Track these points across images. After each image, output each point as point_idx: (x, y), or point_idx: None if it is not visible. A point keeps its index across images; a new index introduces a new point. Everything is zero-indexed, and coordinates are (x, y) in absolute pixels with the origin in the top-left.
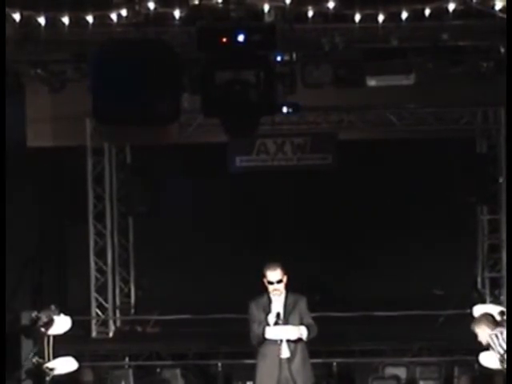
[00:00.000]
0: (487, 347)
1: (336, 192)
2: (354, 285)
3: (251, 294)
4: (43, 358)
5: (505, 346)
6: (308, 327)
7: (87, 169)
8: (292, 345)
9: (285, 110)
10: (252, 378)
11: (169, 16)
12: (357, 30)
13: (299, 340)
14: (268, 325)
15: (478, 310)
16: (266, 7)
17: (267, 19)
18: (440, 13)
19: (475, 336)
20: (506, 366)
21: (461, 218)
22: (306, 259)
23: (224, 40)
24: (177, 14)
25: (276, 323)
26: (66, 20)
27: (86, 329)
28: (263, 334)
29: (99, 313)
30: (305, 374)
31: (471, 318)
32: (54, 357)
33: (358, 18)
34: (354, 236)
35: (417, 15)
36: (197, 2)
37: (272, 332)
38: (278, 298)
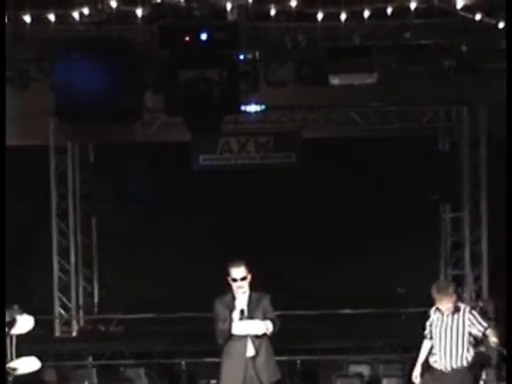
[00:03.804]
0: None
1: (300, 191)
2: (317, 283)
3: (215, 293)
4: (6, 357)
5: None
6: (272, 321)
7: (50, 168)
8: (257, 342)
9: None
10: (216, 376)
11: (131, 14)
12: (319, 28)
13: (264, 335)
14: (233, 321)
15: None
16: (229, 6)
17: (230, 18)
18: (402, 11)
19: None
20: (490, 339)
21: (424, 215)
22: (269, 257)
23: (187, 38)
24: (139, 12)
25: (240, 319)
26: (27, 18)
27: (49, 328)
28: (229, 329)
29: (62, 312)
30: (269, 371)
31: None
32: (17, 356)
33: (320, 16)
34: (317, 234)
35: (379, 14)
36: (159, 1)
37: (238, 327)
38: (242, 295)
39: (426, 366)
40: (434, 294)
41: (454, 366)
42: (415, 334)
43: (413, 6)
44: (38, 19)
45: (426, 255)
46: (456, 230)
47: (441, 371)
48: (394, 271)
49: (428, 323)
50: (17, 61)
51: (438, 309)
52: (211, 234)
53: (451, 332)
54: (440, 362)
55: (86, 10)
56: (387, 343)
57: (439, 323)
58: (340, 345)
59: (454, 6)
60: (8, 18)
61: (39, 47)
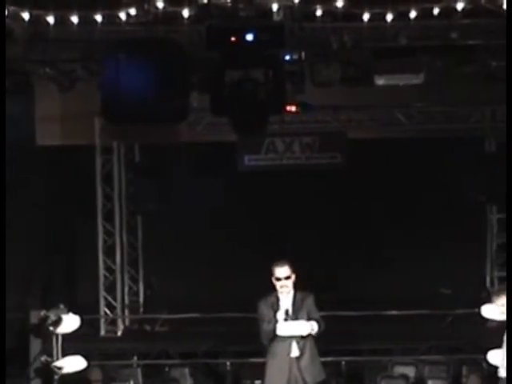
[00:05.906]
0: None
1: (345, 191)
2: (362, 284)
3: (260, 293)
4: (52, 356)
5: None
6: (317, 321)
7: (96, 168)
8: (301, 343)
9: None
10: (261, 377)
11: (178, 15)
12: (365, 28)
13: (309, 336)
14: (278, 322)
15: (487, 309)
16: (275, 6)
17: (276, 18)
18: (449, 12)
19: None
20: None
21: (470, 217)
22: (314, 258)
23: (233, 39)
24: (186, 13)
25: (285, 320)
26: (74, 19)
27: (94, 327)
28: (274, 330)
29: (108, 312)
30: (314, 371)
31: (480, 318)
32: (63, 355)
33: (366, 16)
34: (362, 235)
35: (426, 14)
36: (206, 1)
37: (283, 328)
38: (286, 295)
39: None
40: None
41: None
42: (461, 335)
43: (460, 6)
44: (85, 20)
45: (473, 256)
46: (502, 231)
47: None
48: (440, 272)
49: None
50: (62, 61)
51: None
52: (256, 234)
53: None
54: None
55: (132, 11)
56: (433, 344)
57: None
58: (385, 346)
59: (501, 6)
60: (55, 19)
61: (86, 47)
